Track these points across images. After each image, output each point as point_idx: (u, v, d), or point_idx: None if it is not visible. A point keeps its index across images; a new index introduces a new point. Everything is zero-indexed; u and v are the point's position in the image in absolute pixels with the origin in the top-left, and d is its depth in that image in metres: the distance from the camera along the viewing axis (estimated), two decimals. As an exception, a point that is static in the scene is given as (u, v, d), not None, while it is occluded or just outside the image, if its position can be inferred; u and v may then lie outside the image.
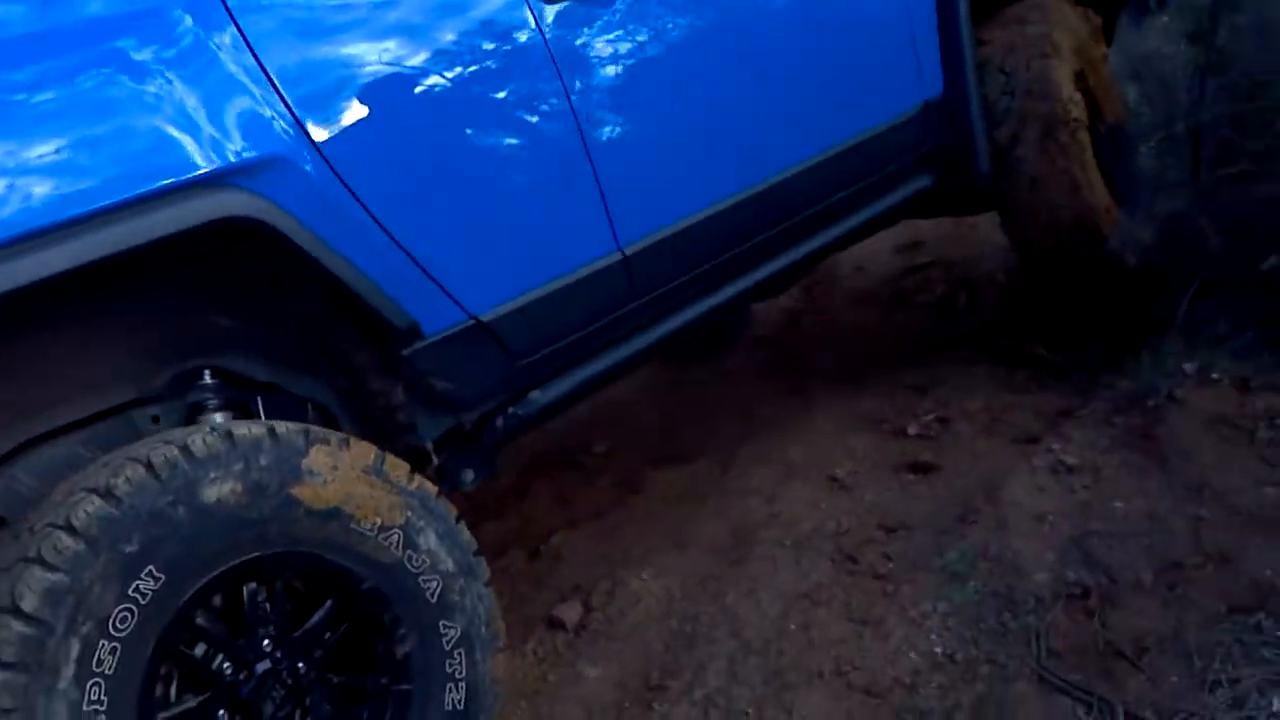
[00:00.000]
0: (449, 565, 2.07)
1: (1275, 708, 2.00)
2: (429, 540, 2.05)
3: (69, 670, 1.62)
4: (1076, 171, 3.42)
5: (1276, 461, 2.60)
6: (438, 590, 2.05)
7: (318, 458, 1.92)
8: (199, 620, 1.84)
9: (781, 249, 2.91)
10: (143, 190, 1.78)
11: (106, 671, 1.66)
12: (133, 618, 1.69)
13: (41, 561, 1.64)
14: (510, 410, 2.47)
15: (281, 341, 2.20)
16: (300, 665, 1.95)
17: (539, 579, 3.24)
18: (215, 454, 1.80)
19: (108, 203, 1.74)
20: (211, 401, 2.13)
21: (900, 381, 3.82)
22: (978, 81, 3.33)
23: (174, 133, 1.83)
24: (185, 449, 1.77)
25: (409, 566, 2.02)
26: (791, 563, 2.80)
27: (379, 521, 1.98)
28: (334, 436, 1.97)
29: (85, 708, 1.63)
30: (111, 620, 1.67)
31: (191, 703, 1.83)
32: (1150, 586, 2.37)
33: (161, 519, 1.72)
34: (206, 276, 2.07)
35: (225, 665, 1.87)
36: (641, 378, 4.78)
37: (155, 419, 2.10)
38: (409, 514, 2.02)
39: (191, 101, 1.86)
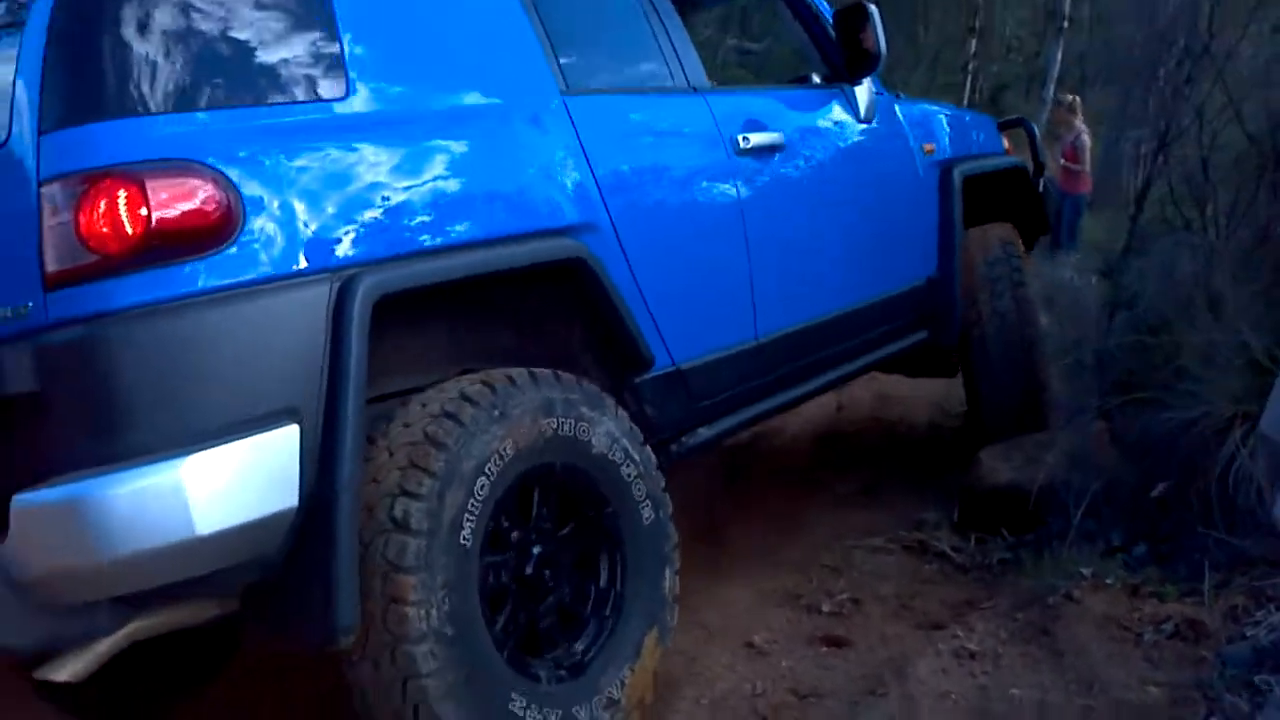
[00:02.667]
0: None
1: None
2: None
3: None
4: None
5: (1160, 663, 2.82)
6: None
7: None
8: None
9: (841, 362, 3.92)
10: (532, 228, 2.70)
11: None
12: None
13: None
14: (683, 440, 3.26)
15: (535, 360, 2.77)
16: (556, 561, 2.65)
17: None
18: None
19: (516, 231, 2.66)
20: None
21: (816, 561, 4.02)
22: (961, 272, 4.44)
23: (548, 194, 2.78)
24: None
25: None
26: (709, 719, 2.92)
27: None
28: None
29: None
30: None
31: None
32: (1041, 768, 2.54)
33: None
34: (505, 305, 2.83)
35: (520, 539, 2.59)
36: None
37: None
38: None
39: (552, 176, 2.80)
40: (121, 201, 2.08)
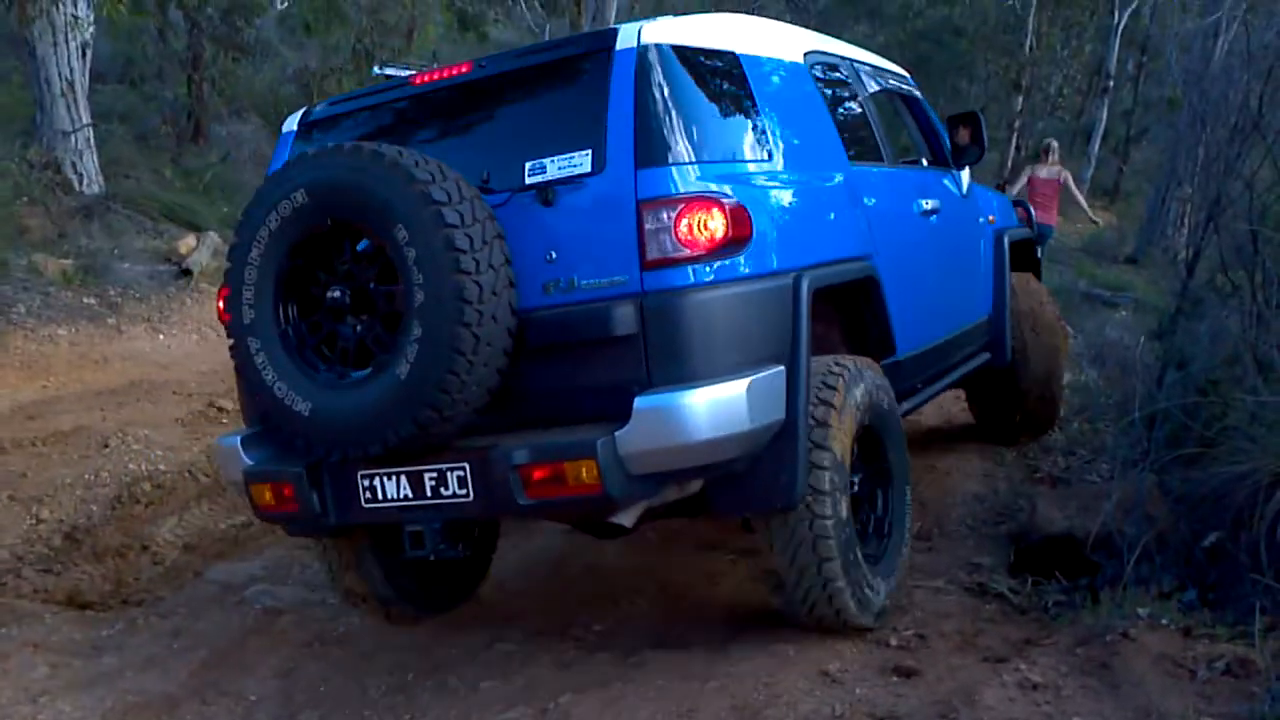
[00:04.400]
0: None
1: None
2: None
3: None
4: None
5: (1214, 697, 3.06)
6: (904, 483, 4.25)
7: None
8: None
9: (955, 369, 5.37)
10: (852, 254, 4.14)
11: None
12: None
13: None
14: None
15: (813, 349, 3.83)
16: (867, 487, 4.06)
17: (549, 733, 3.54)
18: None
19: (848, 255, 4.10)
20: None
21: (881, 600, 4.26)
22: (1010, 311, 5.99)
23: (856, 230, 4.24)
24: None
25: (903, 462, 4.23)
26: (793, 738, 3.18)
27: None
28: None
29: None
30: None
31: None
32: (1104, 787, 2.78)
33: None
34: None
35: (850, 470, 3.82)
36: (630, 562, 5.15)
37: None
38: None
39: (856, 222, 4.26)
40: (709, 217, 3.36)
